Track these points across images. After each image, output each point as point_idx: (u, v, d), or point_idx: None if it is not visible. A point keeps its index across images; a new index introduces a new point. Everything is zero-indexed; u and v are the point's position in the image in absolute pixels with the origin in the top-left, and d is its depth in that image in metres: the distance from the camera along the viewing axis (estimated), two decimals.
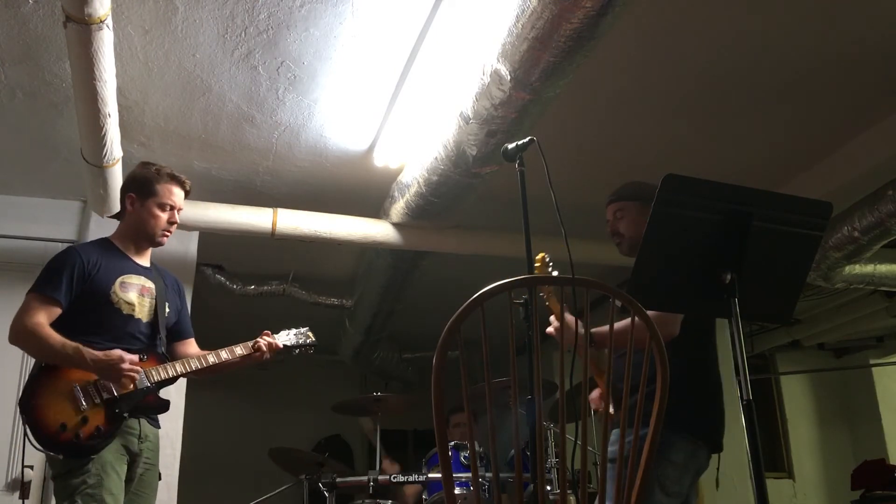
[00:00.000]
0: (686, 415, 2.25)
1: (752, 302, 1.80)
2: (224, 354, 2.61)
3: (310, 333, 2.90)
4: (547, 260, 2.36)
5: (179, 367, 2.52)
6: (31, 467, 3.61)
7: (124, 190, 2.65)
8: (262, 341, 2.69)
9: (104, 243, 2.61)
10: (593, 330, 2.20)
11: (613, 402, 2.18)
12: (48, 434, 2.24)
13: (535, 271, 2.46)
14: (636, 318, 1.57)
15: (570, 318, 2.30)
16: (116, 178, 3.44)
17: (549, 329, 2.36)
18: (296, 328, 2.88)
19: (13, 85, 3.23)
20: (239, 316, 5.84)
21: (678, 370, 2.16)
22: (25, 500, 3.62)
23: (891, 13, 2.89)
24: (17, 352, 3.76)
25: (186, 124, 3.55)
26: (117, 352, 2.32)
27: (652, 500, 2.18)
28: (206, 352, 2.65)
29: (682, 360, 2.22)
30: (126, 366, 2.31)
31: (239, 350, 2.65)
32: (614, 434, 2.11)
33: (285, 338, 2.81)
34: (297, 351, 2.85)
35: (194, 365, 2.55)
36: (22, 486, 3.63)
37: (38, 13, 2.79)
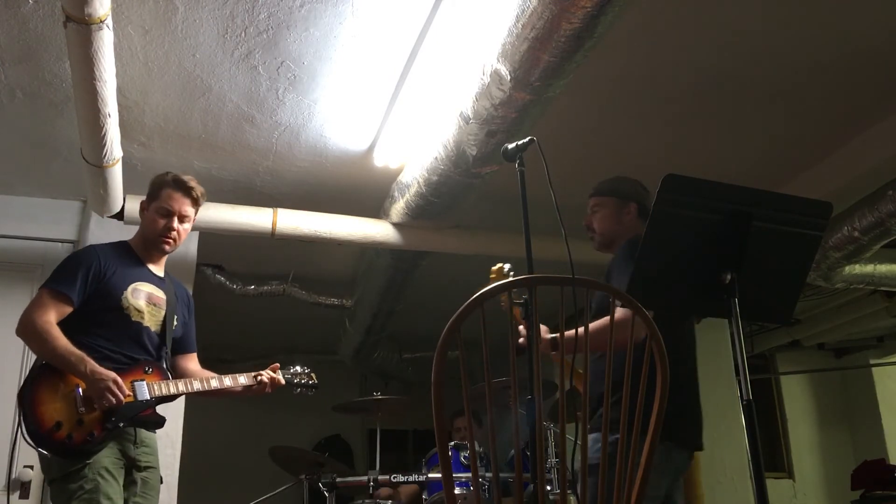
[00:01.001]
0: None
1: (752, 302, 1.80)
2: (227, 381, 2.62)
3: (313, 375, 2.95)
4: (506, 270, 2.35)
5: (182, 386, 2.52)
6: (31, 467, 3.62)
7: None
8: (266, 375, 2.70)
9: (124, 247, 2.61)
10: (556, 335, 2.18)
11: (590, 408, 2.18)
12: (42, 430, 2.23)
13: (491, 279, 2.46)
14: (634, 318, 1.57)
15: (542, 327, 2.27)
16: (116, 178, 3.44)
17: (521, 340, 2.29)
18: (300, 366, 2.92)
19: (13, 85, 3.23)
20: (239, 316, 5.86)
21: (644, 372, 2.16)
22: (25, 501, 3.62)
23: (891, 13, 2.89)
24: (17, 353, 3.80)
25: (186, 124, 3.55)
26: (114, 375, 2.31)
27: None
28: (209, 374, 2.65)
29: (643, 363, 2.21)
30: (113, 388, 2.28)
31: (242, 380, 2.65)
32: (591, 440, 2.10)
33: (288, 375, 2.84)
34: (297, 390, 2.90)
35: (197, 386, 2.55)
36: (22, 486, 3.63)
37: (38, 13, 2.79)
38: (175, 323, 2.62)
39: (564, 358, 1.68)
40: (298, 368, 2.91)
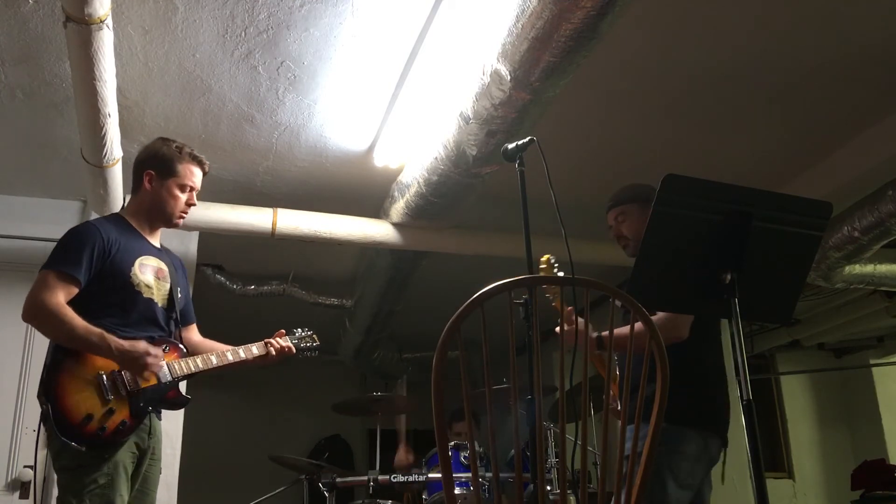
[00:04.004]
0: (696, 407, 2.29)
1: (752, 302, 1.80)
2: (242, 353, 2.55)
3: (315, 337, 2.87)
4: (552, 262, 2.36)
5: (201, 363, 2.43)
6: (32, 467, 3.62)
7: (141, 165, 2.52)
8: (276, 345, 2.64)
9: (119, 220, 2.49)
10: (603, 333, 2.21)
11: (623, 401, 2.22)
12: (73, 424, 2.14)
13: (541, 273, 2.46)
14: (637, 319, 1.58)
15: (580, 320, 2.30)
16: (116, 178, 3.44)
17: (558, 329, 2.36)
18: (302, 330, 2.86)
19: (13, 85, 3.23)
20: (239, 316, 5.85)
21: (686, 364, 2.20)
22: (25, 501, 3.62)
23: (891, 13, 2.89)
24: (17, 352, 3.80)
25: (186, 124, 3.55)
26: (143, 343, 2.24)
27: (665, 492, 2.19)
28: (221, 347, 2.59)
29: (689, 355, 2.24)
30: (151, 359, 2.22)
31: (255, 350, 2.59)
32: (629, 431, 2.13)
33: (295, 340, 2.78)
34: (304, 354, 2.83)
35: (215, 362, 2.47)
36: (22, 486, 3.63)
37: (38, 13, 2.79)
38: (179, 295, 2.54)
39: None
40: (301, 332, 2.83)
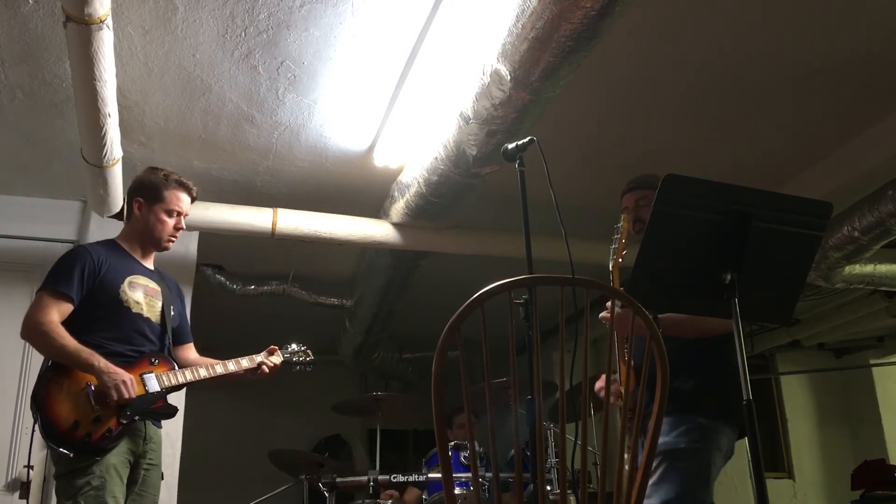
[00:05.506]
0: (731, 403, 2.28)
1: (753, 302, 1.80)
2: (231, 366, 2.67)
3: (309, 352, 2.99)
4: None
5: (189, 375, 2.56)
6: (32, 467, 3.60)
7: (132, 194, 2.68)
8: (269, 363, 2.75)
9: (111, 244, 2.65)
10: (661, 316, 2.23)
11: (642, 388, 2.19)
12: (61, 431, 2.26)
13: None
14: (633, 317, 1.58)
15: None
16: (116, 178, 3.44)
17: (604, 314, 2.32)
18: (296, 345, 2.97)
19: (13, 85, 3.23)
20: (239, 316, 5.86)
21: (725, 359, 2.20)
22: (26, 501, 3.62)
23: (890, 14, 2.89)
24: (17, 352, 3.80)
25: (186, 124, 3.55)
26: (129, 375, 2.36)
27: (708, 491, 2.19)
28: (212, 361, 2.68)
29: (727, 349, 2.25)
30: (128, 383, 2.33)
31: (245, 363, 2.71)
32: (666, 424, 2.14)
33: (286, 354, 2.89)
34: (297, 368, 2.95)
35: (203, 374, 2.60)
36: (22, 486, 3.63)
37: (38, 13, 2.79)
38: (172, 313, 2.66)
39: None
40: (295, 346, 2.98)
